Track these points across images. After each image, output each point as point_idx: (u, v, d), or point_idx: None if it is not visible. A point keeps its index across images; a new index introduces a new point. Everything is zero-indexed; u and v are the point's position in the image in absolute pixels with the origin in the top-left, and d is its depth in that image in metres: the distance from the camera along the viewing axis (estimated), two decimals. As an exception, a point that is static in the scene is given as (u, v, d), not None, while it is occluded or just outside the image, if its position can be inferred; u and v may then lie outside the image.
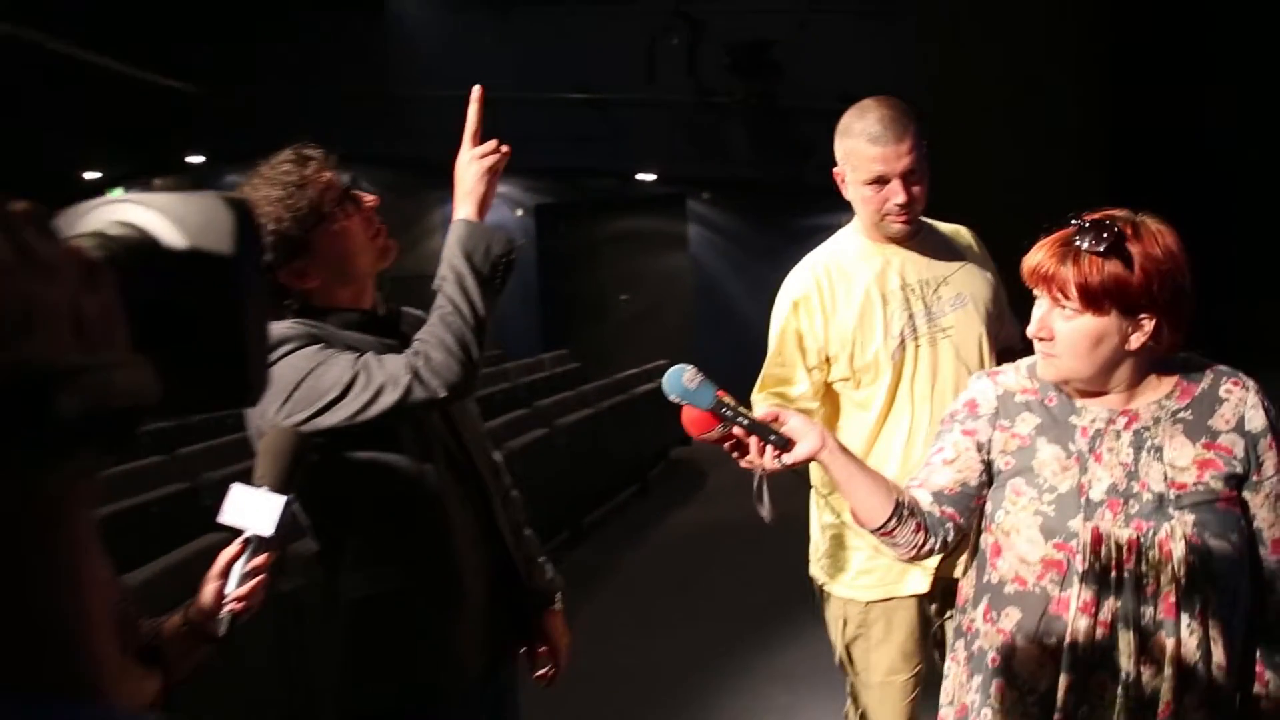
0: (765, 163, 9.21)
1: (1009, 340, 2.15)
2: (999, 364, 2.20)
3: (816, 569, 2.25)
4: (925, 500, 1.55)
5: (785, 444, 1.46)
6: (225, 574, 1.30)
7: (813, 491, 2.17)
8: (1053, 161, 5.94)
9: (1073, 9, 6.13)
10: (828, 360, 2.07)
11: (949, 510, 1.54)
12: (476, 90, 1.66)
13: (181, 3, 11.12)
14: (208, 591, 1.30)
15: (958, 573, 2.08)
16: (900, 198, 1.96)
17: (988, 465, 1.56)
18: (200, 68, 11.24)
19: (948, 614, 2.12)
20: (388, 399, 1.44)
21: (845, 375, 2.07)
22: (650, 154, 10.35)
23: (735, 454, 1.66)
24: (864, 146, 1.96)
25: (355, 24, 11.38)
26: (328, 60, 11.36)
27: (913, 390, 2.05)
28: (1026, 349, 1.60)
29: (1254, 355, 1.99)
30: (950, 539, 1.55)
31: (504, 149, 1.62)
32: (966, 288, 2.09)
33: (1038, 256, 1.45)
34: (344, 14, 11.30)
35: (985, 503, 1.58)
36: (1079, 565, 1.43)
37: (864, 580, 2.14)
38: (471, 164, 1.60)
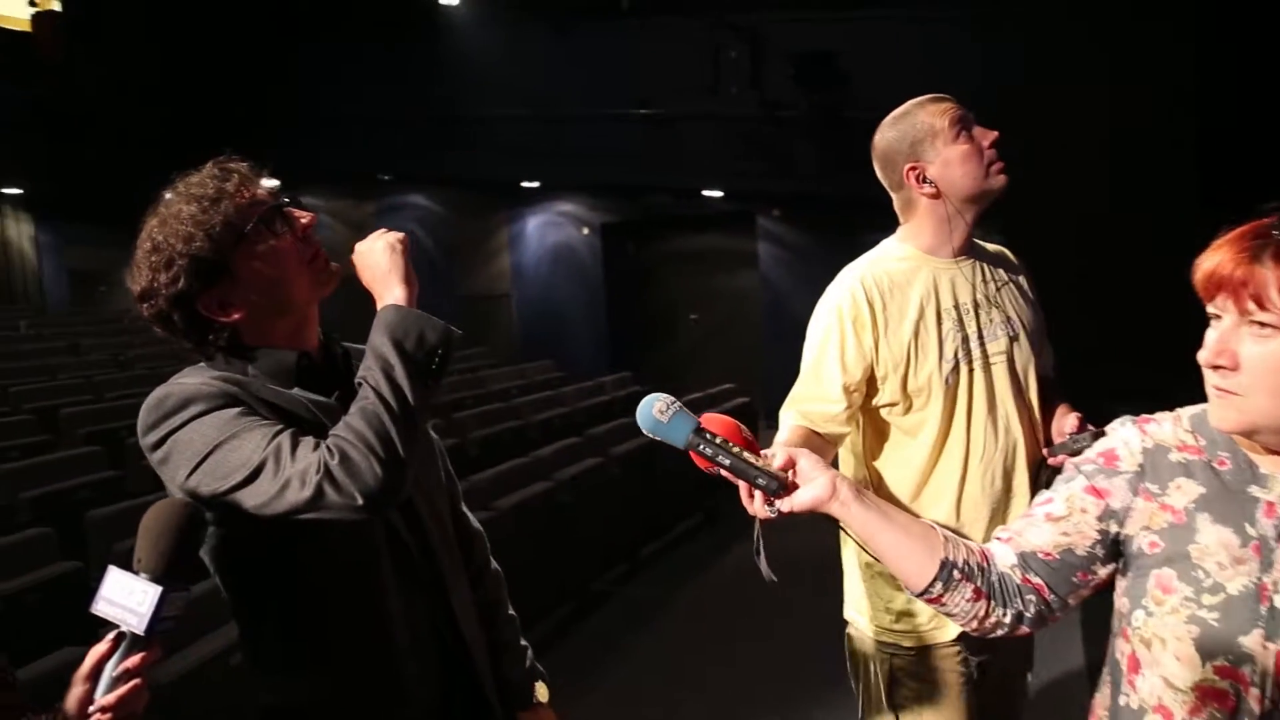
0: (834, 177, 8.85)
1: (1043, 369, 2.01)
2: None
3: (854, 610, 2.02)
4: (1005, 560, 1.21)
5: (778, 488, 1.19)
6: (95, 676, 1.08)
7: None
8: (1140, 162, 5.51)
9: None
10: (872, 381, 1.88)
11: (1036, 580, 1.19)
12: None
13: (246, 32, 11.31)
14: (73, 697, 1.08)
15: None
16: (993, 135, 1.89)
17: (1114, 541, 1.19)
18: (266, 95, 11.38)
19: (983, 655, 1.90)
20: (292, 498, 1.20)
21: (894, 400, 1.88)
22: (715, 169, 10.10)
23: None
24: (929, 109, 1.89)
25: (416, 48, 11.41)
26: (391, 85, 11.41)
27: (969, 418, 1.88)
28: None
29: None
30: (1030, 615, 1.19)
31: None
32: (1015, 311, 1.96)
33: (1218, 257, 1.08)
34: (405, 39, 11.35)
35: (1102, 589, 1.21)
36: (1254, 703, 1.07)
37: (910, 623, 1.91)
38: (376, 241, 1.39)
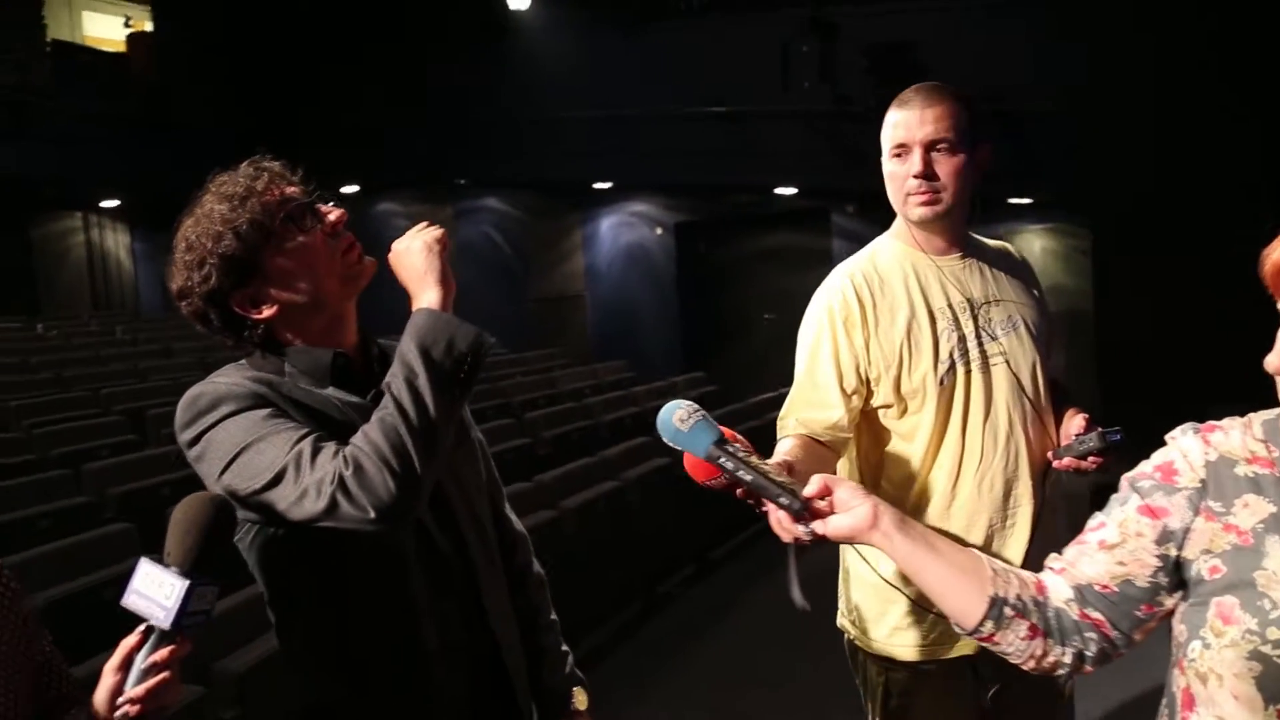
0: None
1: (1053, 371, 1.93)
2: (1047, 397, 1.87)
3: (846, 622, 1.96)
4: (1060, 594, 1.11)
5: (800, 509, 1.13)
6: (125, 668, 1.09)
7: None
8: (1226, 154, 5.25)
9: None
10: (868, 382, 1.82)
11: (1095, 615, 1.09)
12: None
13: (325, 42, 11.59)
14: (103, 688, 1.09)
15: None
16: (915, 167, 1.76)
17: (1175, 565, 1.07)
18: (344, 103, 11.62)
19: (996, 685, 1.82)
20: (309, 508, 1.20)
21: (888, 401, 1.82)
22: (789, 167, 9.96)
23: (753, 503, 1.42)
24: (890, 114, 1.81)
25: (489, 52, 11.53)
26: (465, 90, 11.55)
27: (965, 421, 1.80)
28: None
29: None
30: (1091, 654, 1.09)
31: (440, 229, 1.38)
32: (1018, 310, 1.88)
33: None
34: (478, 44, 11.48)
35: (1171, 618, 1.10)
36: None
37: (906, 637, 1.84)
38: (413, 240, 1.35)
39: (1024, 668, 1.13)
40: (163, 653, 1.08)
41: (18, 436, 6.08)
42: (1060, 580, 1.12)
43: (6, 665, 1.14)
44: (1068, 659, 1.09)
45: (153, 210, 12.69)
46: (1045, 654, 1.10)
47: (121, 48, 13.55)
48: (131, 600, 1.09)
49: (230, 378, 1.33)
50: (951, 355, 1.79)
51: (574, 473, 5.05)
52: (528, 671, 1.53)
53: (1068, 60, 7.05)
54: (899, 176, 1.80)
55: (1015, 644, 1.09)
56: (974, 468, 1.79)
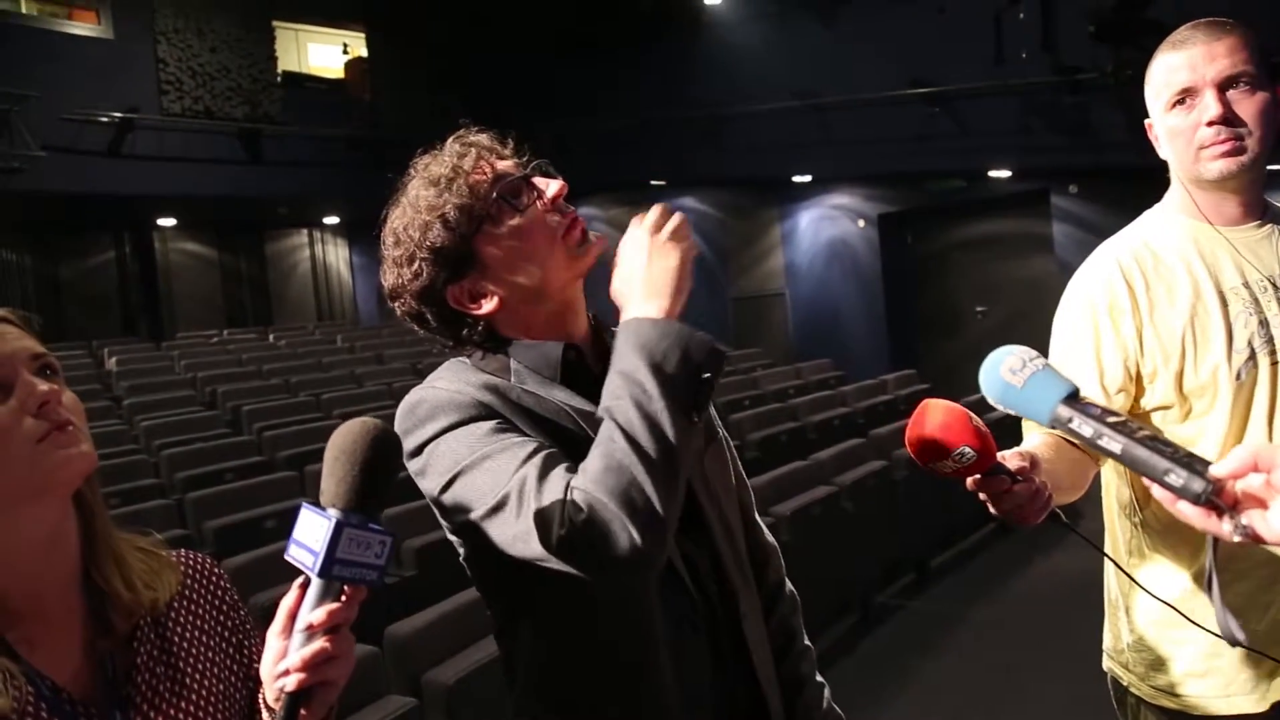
0: (1144, 143, 7.81)
1: None
2: None
3: (1116, 665, 1.66)
4: None
5: (1204, 494, 0.80)
6: (290, 630, 0.90)
7: (1109, 548, 1.64)
8: None
9: None
10: (1138, 379, 1.53)
11: None
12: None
13: (520, 55, 11.86)
14: (267, 659, 0.91)
15: None
16: (1211, 111, 1.45)
17: None
18: (541, 111, 11.82)
19: None
20: (535, 549, 1.03)
21: (1167, 401, 1.52)
22: (1003, 147, 9.26)
23: (989, 501, 1.23)
24: (1165, 59, 1.52)
25: (681, 50, 11.43)
26: (659, 90, 11.50)
27: (1270, 424, 1.50)
28: None
29: None
30: None
31: (679, 215, 1.14)
32: None
33: None
34: (670, 42, 11.40)
35: None
36: None
37: (1198, 686, 1.55)
38: (663, 250, 1.12)
39: None
40: (320, 614, 0.87)
41: (249, 440, 6.47)
42: None
43: (226, 674, 1.04)
44: None
45: (368, 224, 13.45)
46: None
47: (340, 74, 14.43)
48: (291, 552, 0.90)
49: (453, 383, 1.18)
50: (1250, 344, 1.49)
51: (785, 477, 4.82)
52: (782, 704, 1.32)
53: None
54: (1185, 130, 1.50)
55: None
56: None
